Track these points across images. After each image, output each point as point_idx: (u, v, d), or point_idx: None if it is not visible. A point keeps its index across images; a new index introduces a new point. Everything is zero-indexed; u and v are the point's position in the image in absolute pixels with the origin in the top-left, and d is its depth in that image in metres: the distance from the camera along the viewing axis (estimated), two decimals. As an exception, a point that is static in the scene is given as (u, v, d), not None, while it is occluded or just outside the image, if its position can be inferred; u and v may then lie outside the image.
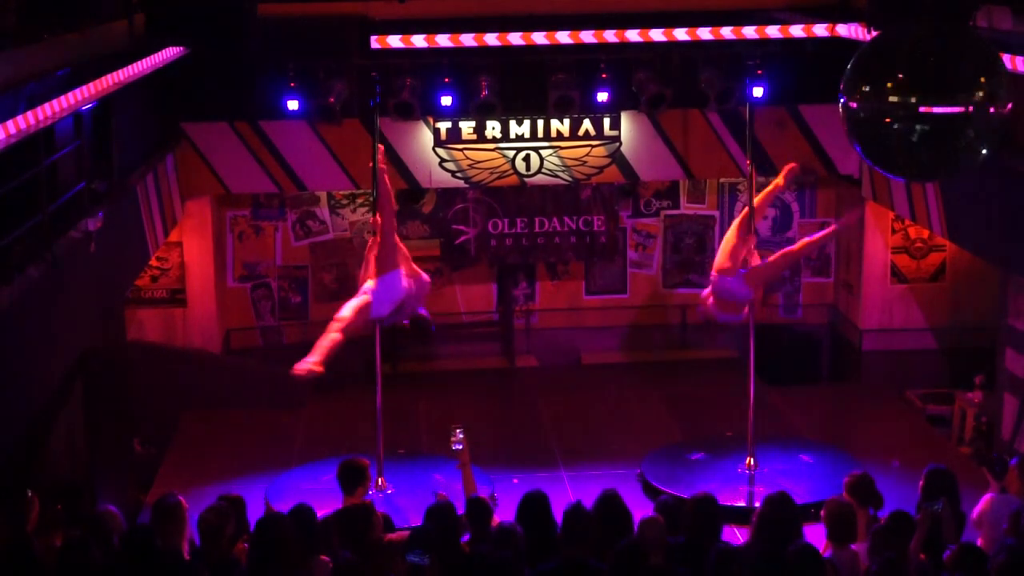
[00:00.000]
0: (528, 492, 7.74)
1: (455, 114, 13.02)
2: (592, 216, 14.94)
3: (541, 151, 13.44)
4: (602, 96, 12.80)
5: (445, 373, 14.99)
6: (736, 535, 9.73)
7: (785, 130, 13.46)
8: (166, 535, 7.43)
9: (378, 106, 11.01)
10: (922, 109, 6.57)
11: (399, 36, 12.16)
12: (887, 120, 6.69)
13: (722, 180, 15.05)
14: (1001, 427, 11.99)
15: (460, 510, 7.68)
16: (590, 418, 13.26)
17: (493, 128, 13.32)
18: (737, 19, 12.55)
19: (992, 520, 8.05)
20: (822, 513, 7.65)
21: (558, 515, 7.38)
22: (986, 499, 8.24)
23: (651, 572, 6.89)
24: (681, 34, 12.34)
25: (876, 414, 13.18)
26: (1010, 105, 6.75)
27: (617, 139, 13.43)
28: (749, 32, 12.25)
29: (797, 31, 12.20)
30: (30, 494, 8.39)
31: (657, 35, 12.33)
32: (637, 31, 12.30)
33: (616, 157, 13.50)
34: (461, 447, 8.50)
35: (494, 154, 13.44)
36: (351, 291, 15.00)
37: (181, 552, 7.42)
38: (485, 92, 12.64)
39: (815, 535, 7.80)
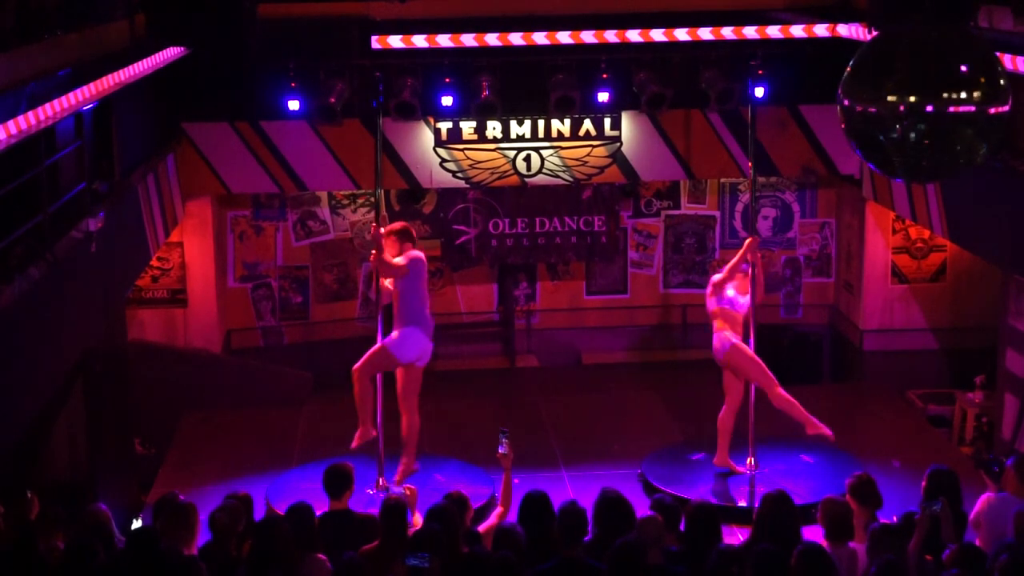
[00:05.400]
0: (529, 492, 7.76)
1: (456, 114, 13.02)
2: (593, 216, 14.94)
3: (542, 151, 13.44)
4: (603, 96, 12.81)
5: (445, 373, 14.97)
6: (736, 535, 9.73)
7: (786, 130, 13.46)
8: (174, 536, 7.44)
9: (381, 106, 10.98)
10: (921, 109, 6.57)
11: (400, 36, 12.17)
12: (886, 121, 6.70)
13: (723, 180, 15.06)
14: (1001, 427, 11.98)
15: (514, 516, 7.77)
16: (590, 418, 13.26)
17: (494, 128, 13.32)
18: (738, 19, 12.56)
19: (990, 521, 8.03)
20: (818, 514, 7.66)
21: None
22: (984, 500, 8.22)
23: (649, 571, 6.90)
24: (682, 34, 12.35)
25: (877, 414, 13.18)
26: (1009, 105, 6.75)
27: (618, 139, 13.43)
28: (750, 32, 12.26)
29: (798, 31, 12.21)
30: (30, 494, 8.41)
31: (658, 35, 12.35)
32: (638, 31, 12.31)
33: (617, 157, 13.50)
34: (505, 451, 8.49)
35: (495, 154, 13.44)
36: (352, 291, 15.13)
37: (185, 552, 7.43)
38: (486, 92, 12.64)
39: (814, 535, 7.80)
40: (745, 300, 11.00)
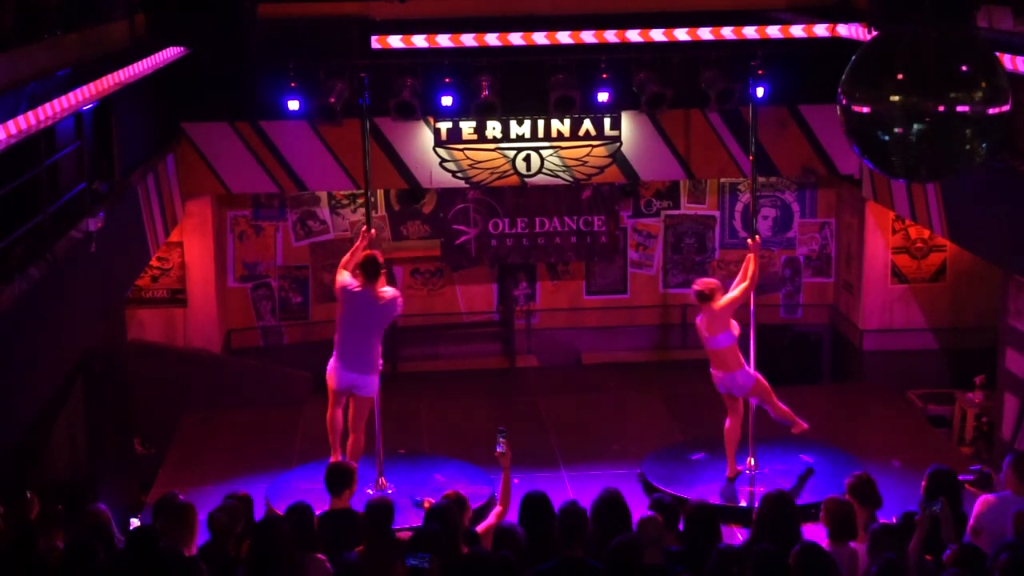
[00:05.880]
0: (528, 492, 7.75)
1: (456, 114, 13.02)
2: (592, 216, 14.94)
3: (542, 151, 13.44)
4: (602, 96, 12.81)
5: (445, 373, 14.99)
6: (736, 535, 9.73)
7: (786, 130, 13.46)
8: (173, 536, 7.44)
9: (367, 107, 10.92)
10: (921, 109, 6.57)
11: (400, 36, 12.16)
12: (886, 121, 6.70)
13: (722, 180, 15.05)
14: (1001, 427, 11.99)
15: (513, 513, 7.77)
16: (590, 418, 13.25)
17: (494, 128, 13.32)
18: (737, 19, 12.55)
19: (991, 522, 7.97)
20: (821, 513, 7.66)
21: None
22: (982, 502, 8.14)
23: (649, 571, 6.90)
24: (682, 34, 12.35)
25: (877, 414, 13.18)
26: (1009, 105, 6.75)
27: (617, 139, 13.43)
28: (750, 32, 12.26)
29: (797, 31, 12.21)
30: (29, 494, 8.41)
31: (658, 35, 12.34)
32: (638, 31, 12.31)
33: (616, 157, 13.50)
34: (503, 450, 8.50)
35: (495, 154, 13.44)
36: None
37: (184, 552, 7.43)
38: (486, 92, 12.65)
39: (814, 534, 7.80)
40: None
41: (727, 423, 10.97)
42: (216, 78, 12.80)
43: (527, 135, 13.36)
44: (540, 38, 12.23)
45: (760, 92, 11.20)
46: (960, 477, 8.23)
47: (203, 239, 13.97)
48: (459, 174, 13.47)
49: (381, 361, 10.59)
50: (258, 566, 7.01)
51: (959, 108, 6.61)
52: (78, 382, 10.64)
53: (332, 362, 10.63)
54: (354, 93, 12.38)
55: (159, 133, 12.63)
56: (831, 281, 15.27)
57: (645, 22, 12.47)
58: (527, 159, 13.46)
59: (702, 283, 10.84)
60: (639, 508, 7.82)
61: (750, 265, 10.85)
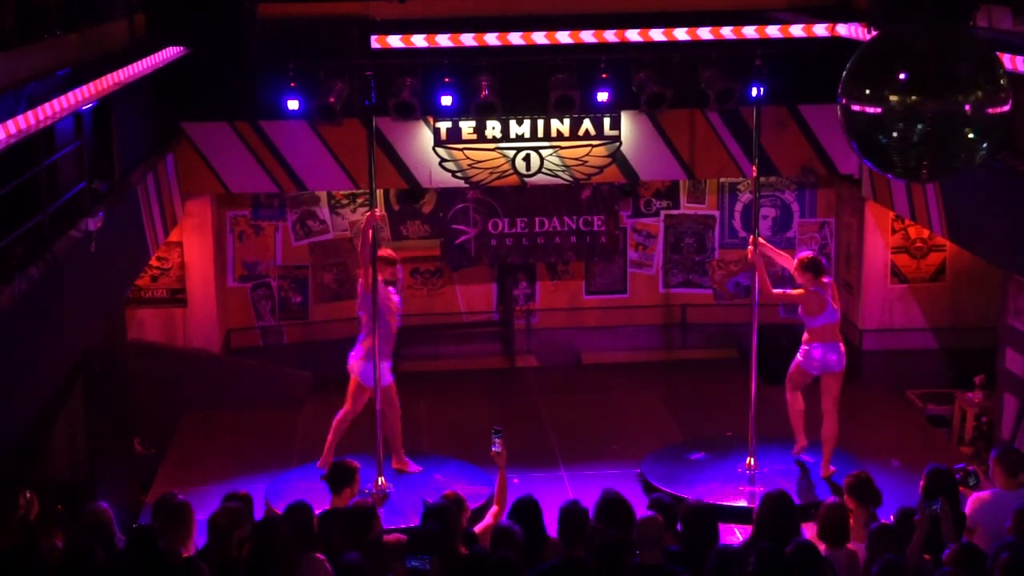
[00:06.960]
0: (520, 497, 7.76)
1: (455, 114, 13.01)
2: (592, 216, 14.94)
3: (541, 151, 13.44)
4: (602, 96, 12.79)
5: (445, 373, 14.99)
6: (736, 535, 9.74)
7: (785, 130, 13.46)
8: (171, 536, 7.44)
9: (373, 106, 10.94)
10: (921, 109, 6.57)
11: (399, 36, 12.16)
12: (886, 121, 6.70)
13: (722, 180, 15.05)
14: (1001, 427, 11.99)
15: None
16: (590, 418, 13.27)
17: (493, 128, 13.31)
18: (737, 19, 12.54)
19: (986, 519, 7.99)
20: (816, 517, 7.67)
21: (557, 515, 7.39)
22: (975, 500, 8.13)
23: (648, 571, 6.90)
24: (681, 34, 12.34)
25: (876, 414, 13.19)
26: (1009, 105, 6.75)
27: (617, 139, 13.43)
28: (749, 32, 12.25)
29: (797, 31, 12.20)
30: (29, 494, 8.42)
31: (657, 35, 12.33)
32: (637, 31, 12.30)
33: (616, 157, 13.50)
34: (499, 450, 8.51)
35: (494, 154, 13.44)
36: (351, 291, 15.09)
37: (182, 552, 7.43)
38: (485, 92, 12.64)
39: (814, 535, 7.81)
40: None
41: (798, 404, 11.42)
42: (216, 78, 12.79)
43: (527, 135, 13.35)
44: (540, 38, 12.23)
45: (760, 92, 11.20)
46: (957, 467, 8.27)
47: (203, 239, 13.97)
48: (459, 174, 13.47)
49: (361, 350, 10.96)
50: (258, 566, 7.01)
51: (959, 108, 6.61)
52: (78, 382, 10.64)
53: None
54: (354, 93, 12.39)
55: (159, 133, 12.62)
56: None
57: (645, 22, 12.46)
58: (527, 159, 13.46)
59: (813, 255, 11.58)
60: (639, 508, 7.83)
61: (783, 258, 11.53)
